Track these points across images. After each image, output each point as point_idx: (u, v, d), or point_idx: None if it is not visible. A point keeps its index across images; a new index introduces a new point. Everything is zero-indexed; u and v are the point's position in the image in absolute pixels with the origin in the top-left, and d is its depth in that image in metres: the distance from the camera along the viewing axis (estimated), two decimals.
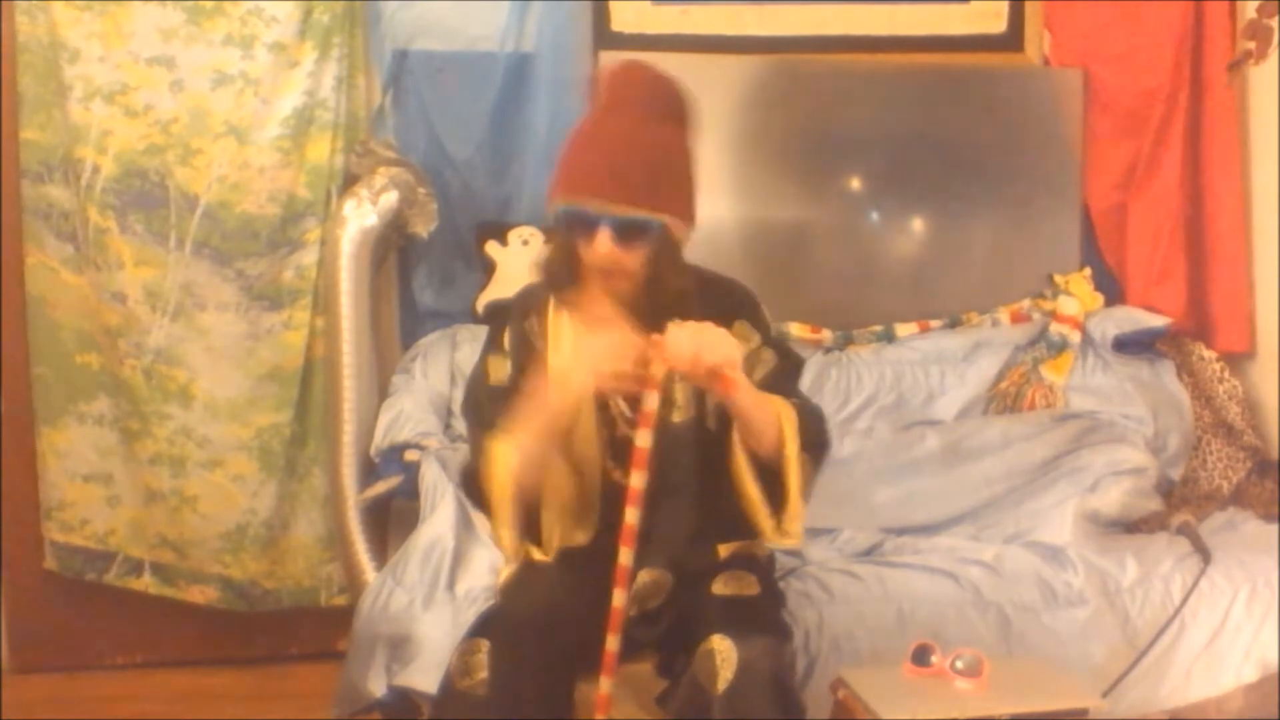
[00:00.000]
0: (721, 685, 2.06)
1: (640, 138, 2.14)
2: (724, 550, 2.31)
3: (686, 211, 2.20)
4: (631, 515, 2.06)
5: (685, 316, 2.13)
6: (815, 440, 2.20)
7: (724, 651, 2.08)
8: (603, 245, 2.12)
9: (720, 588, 2.25)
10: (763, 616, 2.22)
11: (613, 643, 2.07)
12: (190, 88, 3.28)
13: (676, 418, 2.25)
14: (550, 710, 2.12)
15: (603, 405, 2.25)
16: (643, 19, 3.47)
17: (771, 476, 2.16)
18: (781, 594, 2.42)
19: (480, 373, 2.32)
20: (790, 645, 2.29)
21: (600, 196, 2.12)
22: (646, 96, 2.18)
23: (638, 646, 2.26)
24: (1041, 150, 3.56)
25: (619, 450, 2.22)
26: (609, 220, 2.11)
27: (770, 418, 2.14)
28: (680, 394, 2.25)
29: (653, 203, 2.13)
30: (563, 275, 2.22)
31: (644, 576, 2.24)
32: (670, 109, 2.19)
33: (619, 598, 2.06)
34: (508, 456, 2.16)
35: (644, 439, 2.06)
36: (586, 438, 2.24)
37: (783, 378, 2.26)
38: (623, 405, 2.25)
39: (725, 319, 2.18)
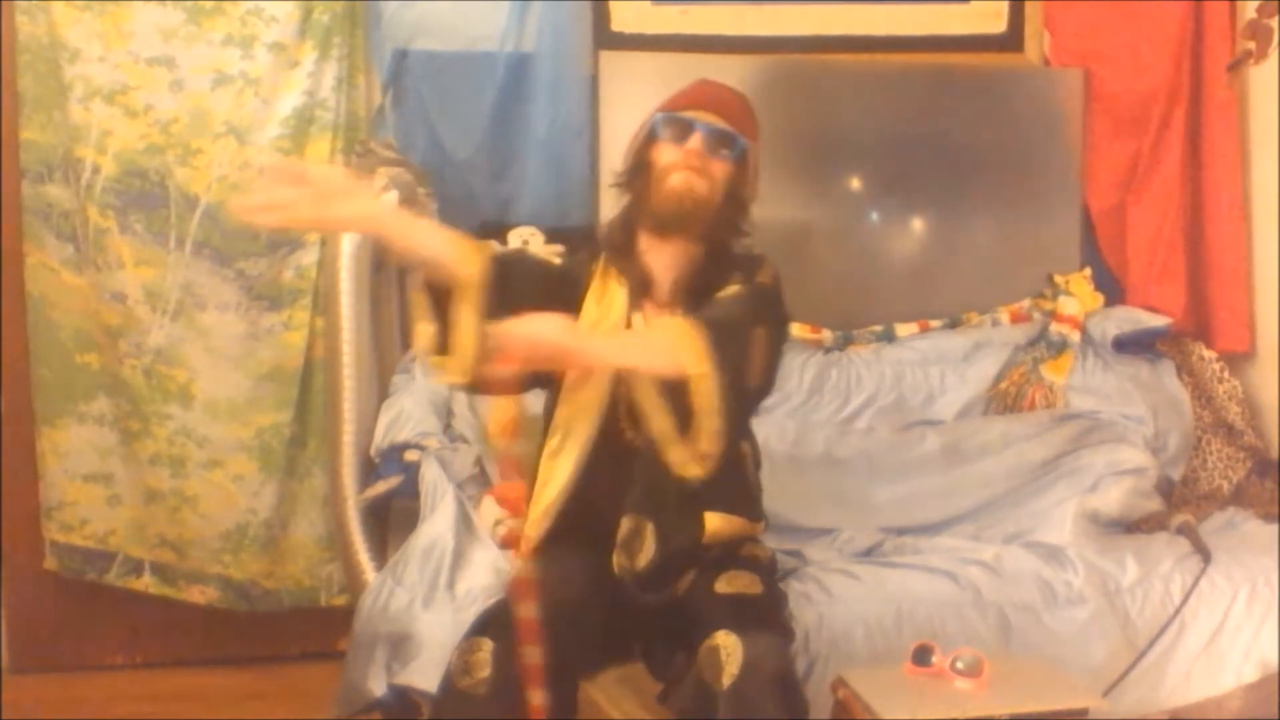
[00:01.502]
0: (727, 681, 2.07)
1: (735, 94, 2.45)
2: (711, 520, 2.32)
3: (756, 174, 2.45)
4: (525, 525, 2.10)
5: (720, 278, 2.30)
6: (726, 355, 2.15)
7: (729, 647, 2.09)
8: (695, 142, 2.35)
9: (724, 586, 2.26)
10: (767, 614, 2.25)
11: (533, 654, 2.03)
12: (190, 88, 3.28)
13: None
14: (554, 710, 2.13)
15: None
16: (643, 19, 3.47)
17: (681, 400, 2.13)
18: (784, 595, 2.44)
19: None
20: (793, 645, 2.30)
21: (699, 109, 2.39)
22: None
23: (639, 618, 2.27)
24: (1041, 150, 3.56)
25: (635, 411, 2.26)
26: (704, 126, 2.36)
27: (649, 349, 2.15)
28: None
29: (742, 126, 2.40)
30: (618, 236, 2.39)
31: (625, 524, 2.28)
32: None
33: (526, 610, 2.05)
34: None
35: (509, 447, 2.06)
36: (600, 380, 2.30)
37: (728, 300, 2.29)
38: None
39: (724, 276, 2.34)
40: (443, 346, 2.22)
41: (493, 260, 2.22)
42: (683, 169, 2.33)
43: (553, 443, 2.36)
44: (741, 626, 2.12)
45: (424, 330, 2.23)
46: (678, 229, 2.35)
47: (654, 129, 2.38)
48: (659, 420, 2.15)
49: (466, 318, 2.18)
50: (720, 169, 2.36)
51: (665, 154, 2.36)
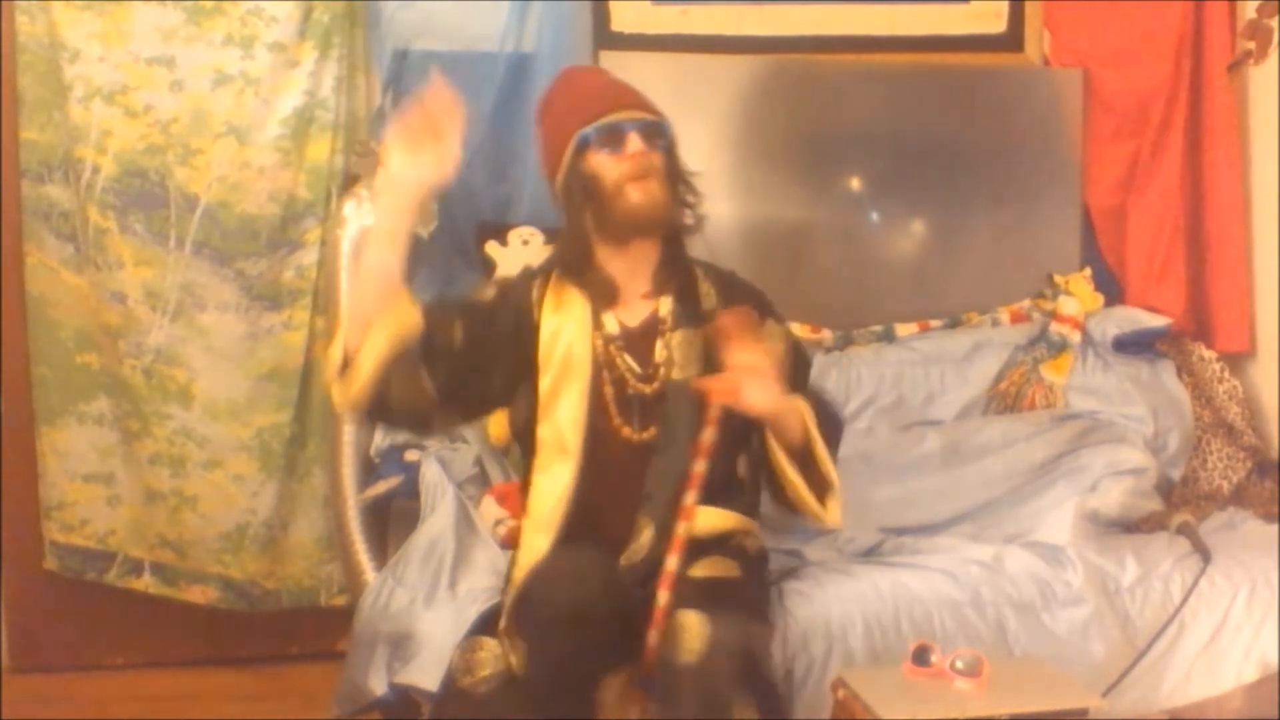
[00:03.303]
0: (688, 657, 2.08)
1: (621, 80, 2.46)
2: (704, 515, 2.32)
3: None
4: (682, 528, 2.22)
5: (682, 274, 2.38)
6: (832, 426, 2.39)
7: (693, 626, 2.10)
8: (634, 144, 2.32)
9: (699, 570, 2.28)
10: (738, 598, 2.25)
11: (662, 597, 2.18)
12: (190, 88, 3.28)
13: (675, 374, 2.35)
14: (575, 710, 2.13)
15: (610, 363, 2.35)
16: (643, 19, 3.47)
17: (805, 464, 2.31)
18: (766, 586, 2.46)
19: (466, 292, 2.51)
20: (766, 630, 2.33)
21: (619, 108, 2.35)
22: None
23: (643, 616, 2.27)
24: (1041, 150, 3.56)
25: (628, 406, 2.35)
26: (633, 124, 2.33)
27: (797, 419, 2.30)
28: (679, 352, 2.36)
29: (654, 109, 2.40)
30: (573, 254, 2.39)
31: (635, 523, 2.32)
32: None
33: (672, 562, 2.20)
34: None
35: (700, 466, 2.23)
36: (576, 389, 2.34)
37: (798, 374, 2.43)
38: (630, 361, 2.36)
39: (685, 261, 2.42)
40: (344, 370, 2.26)
41: (421, 334, 2.28)
42: (636, 179, 2.32)
43: (543, 457, 2.37)
44: (707, 606, 2.13)
45: (338, 346, 2.28)
46: (647, 236, 2.37)
47: (582, 142, 2.34)
48: (791, 476, 2.31)
49: (369, 356, 2.22)
50: (660, 160, 2.35)
51: (607, 166, 2.33)
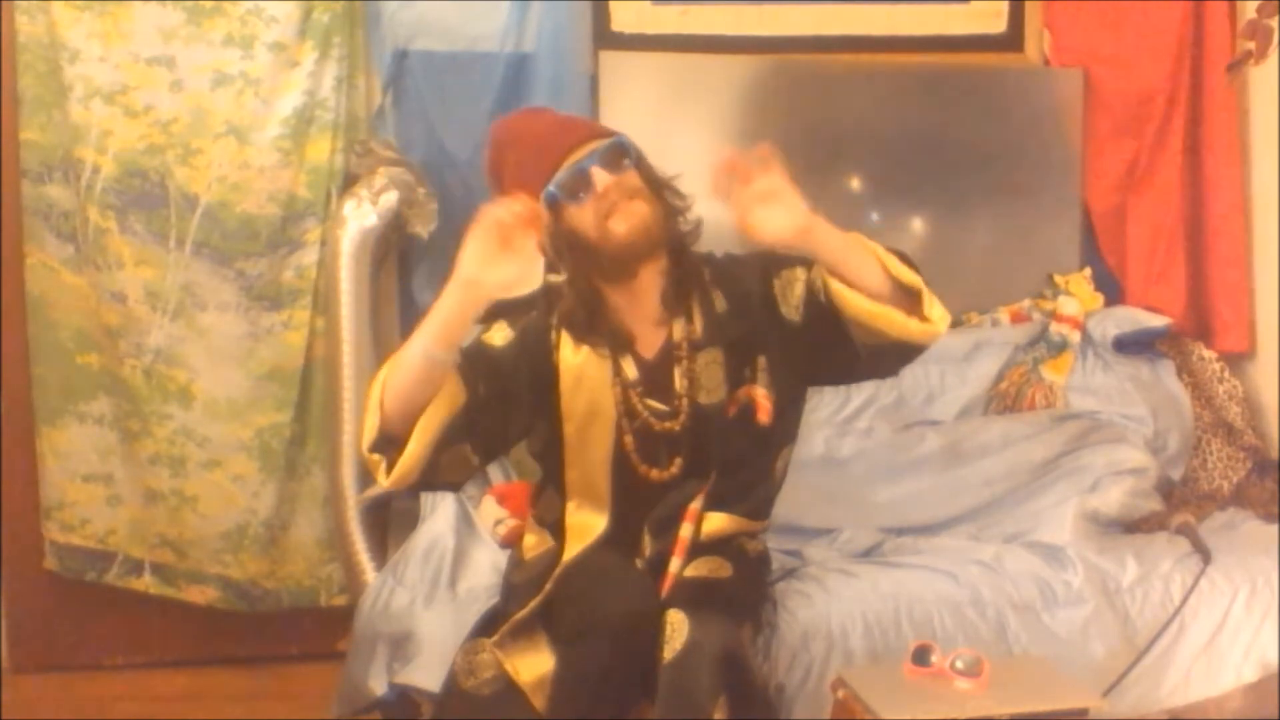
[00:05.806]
0: (668, 655, 2.09)
1: (555, 113, 2.42)
2: (712, 520, 2.32)
3: None
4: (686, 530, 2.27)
5: (692, 278, 2.30)
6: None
7: (676, 624, 2.11)
8: (601, 179, 2.19)
9: (691, 570, 2.28)
10: (725, 598, 2.24)
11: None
12: (190, 88, 3.28)
13: (704, 399, 2.31)
14: (620, 711, 2.15)
15: (632, 412, 2.31)
16: (643, 19, 3.47)
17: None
18: (762, 588, 2.45)
19: (478, 335, 2.34)
20: (752, 629, 2.33)
21: (571, 148, 2.21)
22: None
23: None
24: (1041, 150, 3.56)
25: (655, 449, 2.31)
26: (590, 159, 2.20)
27: (868, 252, 2.21)
28: (709, 377, 2.30)
29: (603, 129, 2.28)
30: (583, 316, 2.29)
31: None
32: None
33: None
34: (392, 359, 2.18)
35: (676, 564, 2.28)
36: (601, 436, 2.30)
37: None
38: (653, 403, 2.31)
39: (765, 278, 2.31)
40: (383, 447, 2.16)
41: (464, 408, 2.17)
42: (615, 212, 2.20)
43: (575, 501, 2.36)
44: (692, 606, 2.14)
45: (373, 424, 2.16)
46: (649, 259, 2.27)
47: (550, 201, 2.20)
48: (868, 303, 2.18)
49: (420, 440, 2.13)
50: (634, 178, 2.23)
51: (583, 215, 2.21)
